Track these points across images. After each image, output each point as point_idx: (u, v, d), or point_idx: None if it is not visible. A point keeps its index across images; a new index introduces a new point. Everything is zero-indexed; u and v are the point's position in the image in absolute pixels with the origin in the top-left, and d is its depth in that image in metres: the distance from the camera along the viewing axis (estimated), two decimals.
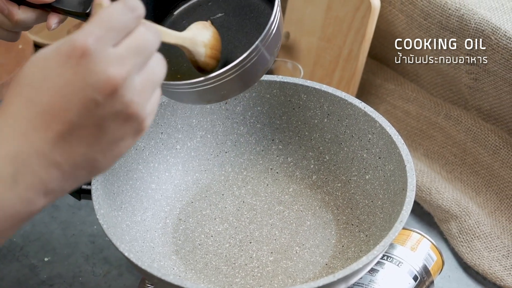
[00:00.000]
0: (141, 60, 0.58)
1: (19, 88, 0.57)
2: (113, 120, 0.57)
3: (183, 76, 0.81)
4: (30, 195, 0.57)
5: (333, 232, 0.91)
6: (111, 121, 0.57)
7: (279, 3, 0.79)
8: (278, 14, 0.79)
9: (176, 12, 0.87)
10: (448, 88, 1.07)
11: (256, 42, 0.77)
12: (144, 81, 0.58)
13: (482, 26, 0.98)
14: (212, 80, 0.77)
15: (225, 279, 0.86)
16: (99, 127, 0.57)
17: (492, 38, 0.97)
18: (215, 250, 0.89)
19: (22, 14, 0.82)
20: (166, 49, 0.75)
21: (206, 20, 0.82)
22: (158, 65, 0.60)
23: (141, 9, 0.58)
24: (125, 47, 0.57)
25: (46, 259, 0.96)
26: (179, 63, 0.82)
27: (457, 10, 1.00)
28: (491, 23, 0.97)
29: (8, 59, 1.20)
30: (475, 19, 0.98)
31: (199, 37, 0.78)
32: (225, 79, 0.77)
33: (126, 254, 0.77)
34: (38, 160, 0.56)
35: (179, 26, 0.85)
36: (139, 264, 0.75)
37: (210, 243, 0.90)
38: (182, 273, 0.87)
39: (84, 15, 0.82)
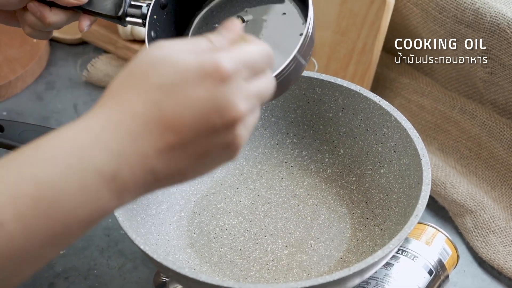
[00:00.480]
0: (259, 104, 0.60)
1: (146, 84, 0.56)
2: (219, 147, 0.58)
3: None
4: (122, 194, 0.56)
5: (347, 226, 0.91)
6: (217, 148, 0.58)
7: (312, 5, 0.78)
8: (312, 18, 0.78)
9: (207, 8, 0.87)
10: (463, 82, 1.07)
11: (293, 53, 0.76)
12: (253, 122, 0.60)
13: (497, 20, 0.97)
14: None
15: (240, 272, 0.86)
16: (204, 150, 0.58)
17: (508, 31, 0.96)
18: (230, 243, 0.89)
19: (53, 16, 0.82)
20: None
21: (237, 17, 0.82)
22: (259, 112, 0.62)
23: (273, 58, 0.61)
24: (254, 87, 0.59)
25: (61, 252, 0.96)
26: None
27: (472, 3, 0.99)
28: (506, 16, 0.97)
29: (22, 53, 1.20)
30: (490, 13, 0.98)
31: None
32: None
33: (141, 247, 0.77)
34: (141, 163, 0.56)
35: (212, 20, 0.85)
36: (155, 257, 0.76)
37: (225, 236, 0.90)
38: (197, 266, 0.87)
39: (116, 18, 0.82)
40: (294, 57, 0.76)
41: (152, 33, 0.82)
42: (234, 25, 0.62)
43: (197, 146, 0.57)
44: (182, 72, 0.56)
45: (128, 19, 0.83)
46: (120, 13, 0.82)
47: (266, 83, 0.61)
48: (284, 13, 0.82)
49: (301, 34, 0.78)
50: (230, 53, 0.58)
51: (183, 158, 0.57)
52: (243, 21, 0.82)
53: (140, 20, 0.82)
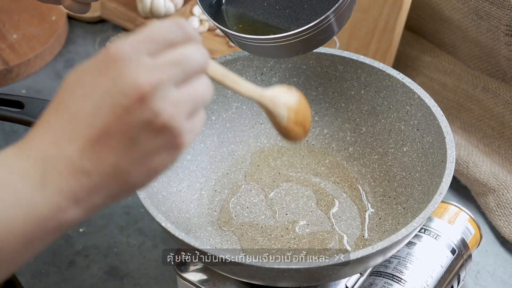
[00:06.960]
0: (179, 73, 0.56)
1: (56, 97, 0.56)
2: (143, 130, 0.55)
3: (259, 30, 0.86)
4: (59, 199, 0.54)
5: (369, 205, 0.90)
6: (141, 130, 0.55)
7: None
8: None
9: None
10: (486, 60, 1.05)
11: (327, 13, 0.78)
12: (183, 95, 0.56)
13: None
14: (284, 39, 0.80)
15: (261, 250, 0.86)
16: (128, 136, 0.55)
17: None
18: (251, 221, 0.89)
19: None
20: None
21: None
22: (204, 87, 0.58)
23: (191, 29, 0.57)
24: (162, 57, 0.56)
25: (81, 230, 0.96)
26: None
27: None
28: None
29: (42, 30, 1.20)
30: None
31: (281, 98, 0.72)
32: (293, 41, 0.80)
33: (163, 224, 0.76)
34: (66, 165, 0.54)
35: None
36: (176, 234, 0.75)
37: (246, 214, 0.90)
38: (218, 244, 0.87)
39: None
40: (327, 16, 0.78)
41: None
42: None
43: (117, 133, 0.54)
44: (80, 72, 0.56)
45: None
46: None
47: (186, 51, 0.57)
48: None
49: None
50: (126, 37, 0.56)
51: (109, 151, 0.55)
52: None
53: None
